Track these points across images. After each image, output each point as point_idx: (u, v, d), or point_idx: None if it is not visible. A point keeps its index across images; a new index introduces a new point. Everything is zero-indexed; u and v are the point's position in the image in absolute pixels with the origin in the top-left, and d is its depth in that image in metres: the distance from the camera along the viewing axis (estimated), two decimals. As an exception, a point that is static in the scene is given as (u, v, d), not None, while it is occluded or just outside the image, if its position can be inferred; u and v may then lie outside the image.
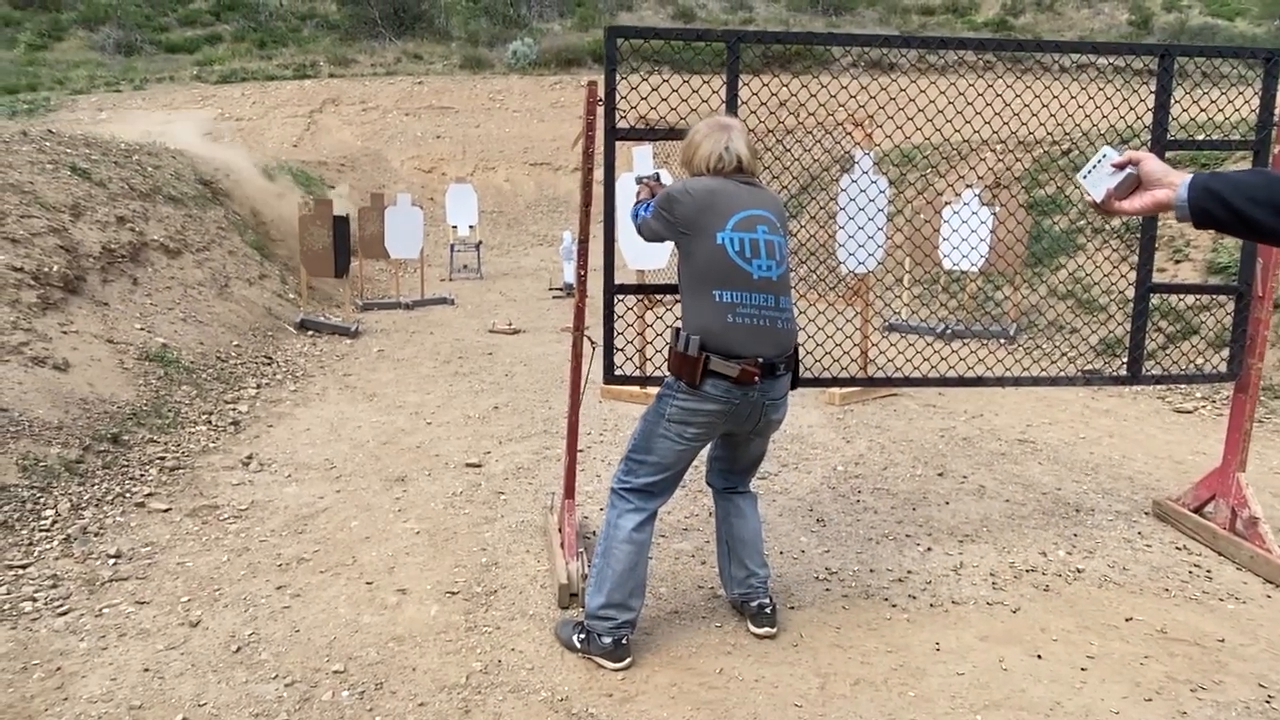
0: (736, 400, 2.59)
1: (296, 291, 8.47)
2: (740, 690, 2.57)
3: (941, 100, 3.61)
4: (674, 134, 3.16)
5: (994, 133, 3.74)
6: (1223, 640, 2.86)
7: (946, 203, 7.25)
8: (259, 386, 5.80)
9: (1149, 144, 3.29)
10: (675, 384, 2.63)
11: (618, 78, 3.02)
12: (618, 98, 3.04)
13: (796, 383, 2.80)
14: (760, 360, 2.57)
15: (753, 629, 2.87)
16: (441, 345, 7.40)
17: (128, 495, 3.88)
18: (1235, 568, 3.36)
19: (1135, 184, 1.63)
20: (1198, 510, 3.67)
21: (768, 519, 3.82)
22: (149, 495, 3.91)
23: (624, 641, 2.69)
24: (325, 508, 3.90)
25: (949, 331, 7.18)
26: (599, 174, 3.11)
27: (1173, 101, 3.33)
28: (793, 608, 3.07)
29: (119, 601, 3.03)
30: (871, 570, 3.36)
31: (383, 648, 2.79)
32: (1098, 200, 1.68)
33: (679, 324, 2.67)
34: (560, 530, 3.32)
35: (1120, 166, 1.65)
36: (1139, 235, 3.45)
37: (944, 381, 3.58)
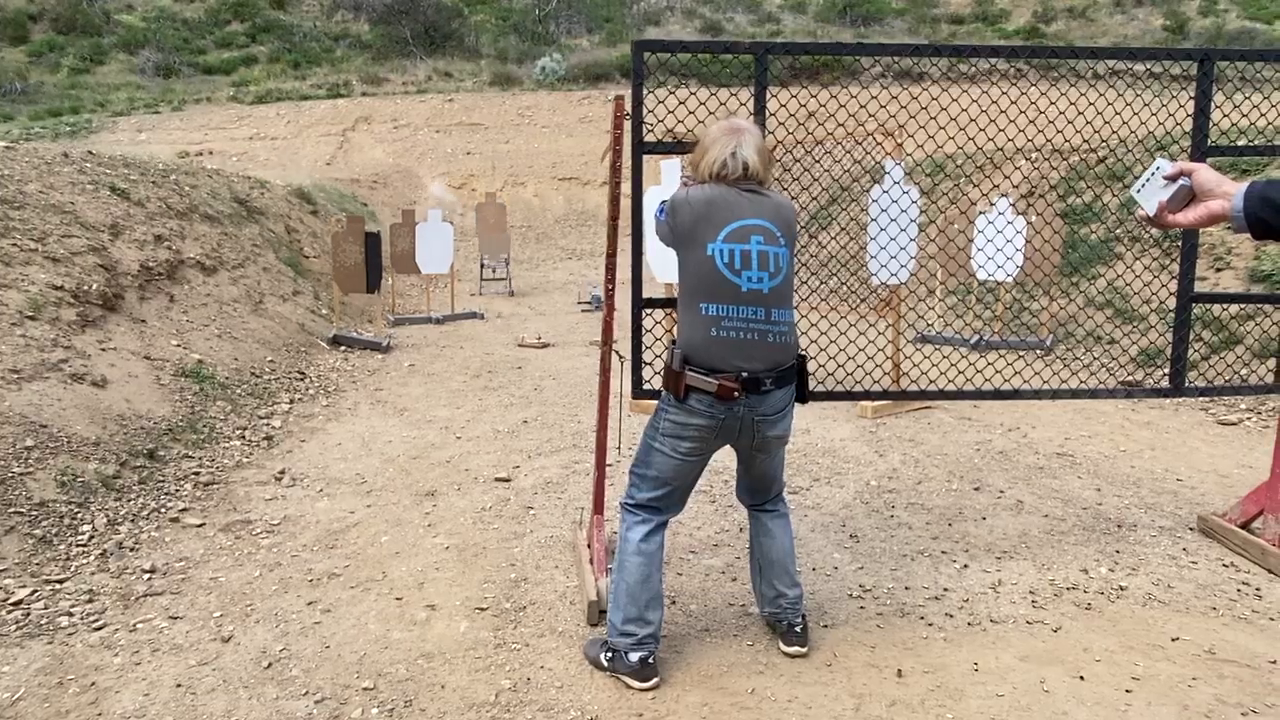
0: (722, 415, 2.55)
1: (329, 307, 8.57)
2: (773, 711, 2.53)
3: (974, 109, 3.57)
4: (702, 147, 3.14)
5: (1028, 140, 3.69)
6: (1274, 661, 2.76)
7: (980, 212, 7.16)
8: (292, 402, 5.86)
9: (1189, 151, 3.21)
10: (666, 398, 2.63)
11: (645, 91, 3.01)
12: (645, 111, 3.04)
13: (805, 397, 2.72)
14: (744, 375, 2.51)
15: (783, 648, 2.82)
16: (471, 360, 7.43)
17: (163, 510, 3.93)
18: (1286, 586, 3.25)
19: (1189, 196, 1.58)
20: (1245, 526, 3.55)
21: (800, 534, 3.77)
22: (183, 510, 3.96)
23: (650, 660, 2.64)
24: (356, 522, 3.92)
25: (983, 342, 7.08)
26: (626, 188, 3.10)
27: (1212, 107, 3.25)
28: (826, 626, 3.01)
29: (153, 616, 3.06)
30: (907, 587, 3.29)
31: (412, 664, 2.78)
32: (1150, 214, 1.63)
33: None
34: (589, 546, 3.30)
35: (1172, 179, 1.60)
36: (1179, 244, 3.37)
37: (979, 394, 3.51)
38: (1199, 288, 6.53)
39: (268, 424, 5.32)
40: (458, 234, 13.74)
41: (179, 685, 2.65)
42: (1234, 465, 4.66)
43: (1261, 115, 3.54)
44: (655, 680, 2.64)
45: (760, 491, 2.88)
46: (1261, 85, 3.42)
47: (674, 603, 3.16)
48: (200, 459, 4.55)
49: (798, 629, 2.82)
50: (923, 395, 3.61)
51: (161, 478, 4.22)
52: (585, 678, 2.69)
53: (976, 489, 4.32)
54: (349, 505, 4.12)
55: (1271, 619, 3.03)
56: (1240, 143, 7.35)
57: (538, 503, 4.14)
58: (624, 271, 3.07)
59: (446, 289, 10.13)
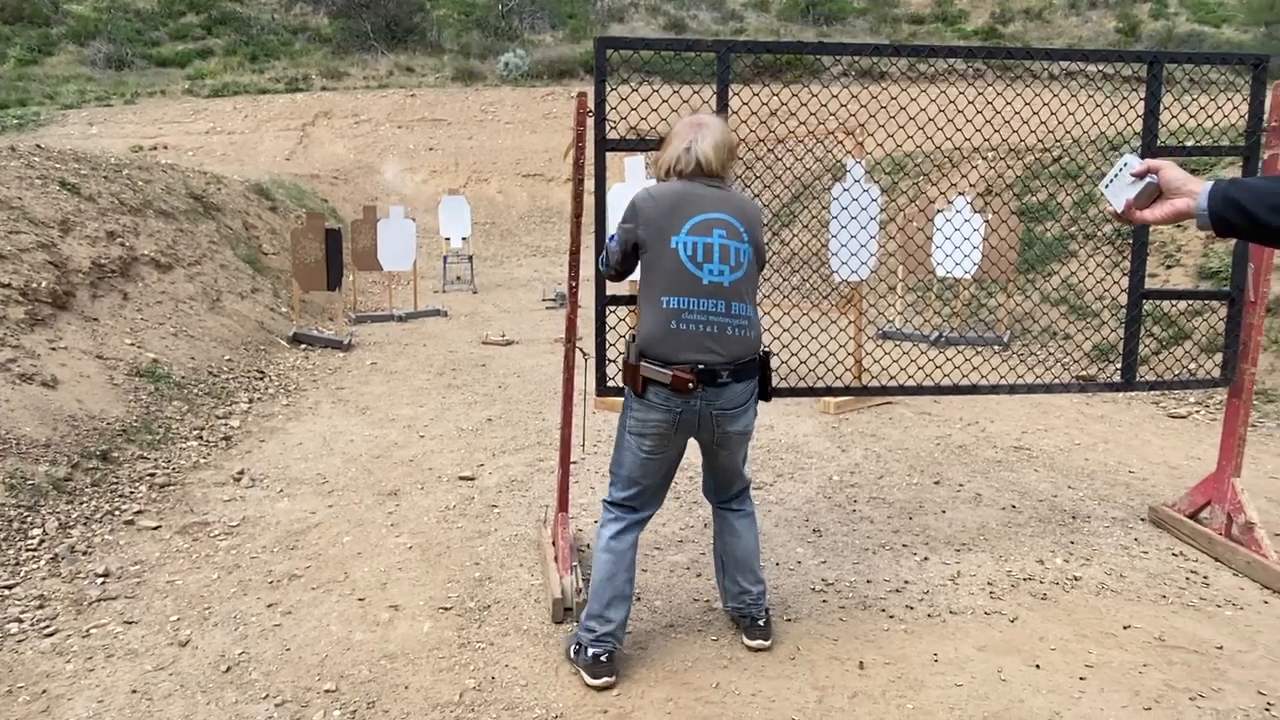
0: (679, 409, 2.54)
1: (289, 305, 8.44)
2: (736, 705, 2.54)
3: (932, 108, 3.62)
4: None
5: (985, 140, 3.75)
6: (1221, 647, 2.84)
7: (939, 210, 7.26)
8: (251, 401, 5.76)
9: (1139, 150, 3.29)
10: (629, 394, 2.64)
11: (608, 88, 3.01)
12: (608, 108, 3.03)
13: (767, 394, 2.71)
14: (701, 367, 2.50)
15: (746, 642, 2.85)
16: (435, 357, 7.37)
17: (117, 513, 3.84)
18: (1232, 573, 3.35)
19: (1156, 193, 1.62)
20: (1193, 516, 3.66)
21: (764, 529, 3.80)
22: (138, 513, 3.88)
23: (603, 658, 2.62)
24: (317, 523, 3.87)
25: (943, 339, 7.18)
26: (591, 185, 3.09)
27: (1162, 108, 3.33)
28: (790, 620, 3.04)
29: (107, 621, 2.99)
30: (868, 581, 3.33)
31: (375, 665, 2.76)
32: (1118, 210, 1.66)
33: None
34: (554, 544, 3.30)
35: (1140, 176, 1.63)
36: (1130, 241, 3.45)
37: (939, 390, 3.57)
38: (1150, 284, 6.70)
39: (226, 424, 5.23)
40: (420, 230, 13.62)
41: (134, 691, 2.60)
42: (1183, 457, 4.79)
43: (1209, 117, 3.64)
44: (606, 679, 2.61)
45: (724, 488, 2.86)
46: (1209, 87, 3.51)
47: (639, 599, 3.17)
48: (156, 460, 4.46)
49: (760, 622, 2.85)
50: (884, 391, 3.65)
51: (115, 480, 4.13)
52: (550, 676, 2.69)
53: (936, 483, 4.39)
54: (310, 505, 4.07)
55: (1218, 606, 3.12)
56: (1189, 143, 7.53)
57: (502, 501, 4.12)
58: (588, 269, 3.07)
59: (409, 286, 10.03)
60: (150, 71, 21.62)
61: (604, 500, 2.79)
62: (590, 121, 3.02)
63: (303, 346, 7.50)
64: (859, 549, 3.61)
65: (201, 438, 4.92)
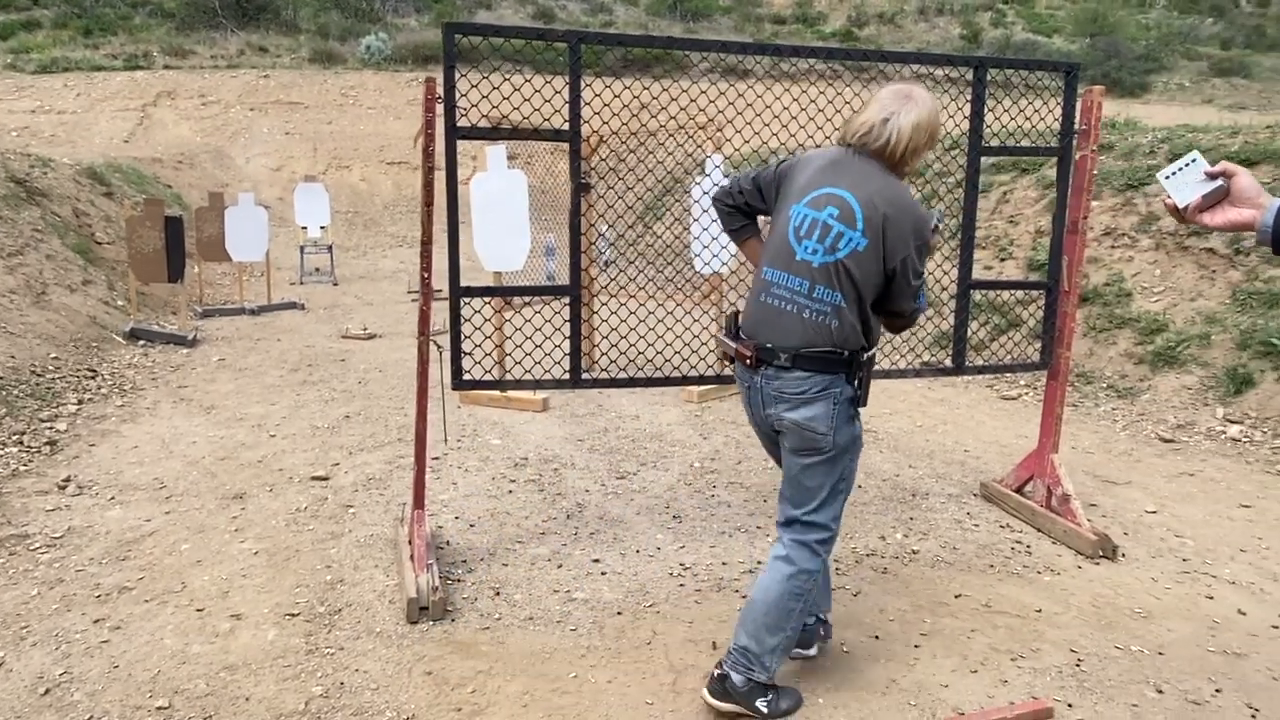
0: (746, 383, 2.47)
1: (126, 298, 7.86)
2: (592, 693, 2.56)
3: (794, 107, 3.73)
4: (517, 133, 3.12)
5: (828, 138, 3.90)
6: (1040, 610, 3.08)
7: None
8: (80, 402, 5.34)
9: (966, 150, 3.51)
10: None
11: (457, 74, 2.95)
12: (459, 95, 2.97)
13: (860, 399, 2.42)
14: (768, 346, 2.37)
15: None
16: (289, 353, 7.04)
17: (-84, 529, 3.48)
18: (1051, 542, 3.64)
19: (1223, 196, 1.58)
20: (1019, 490, 3.95)
21: (625, 518, 3.84)
22: (-57, 527, 3.53)
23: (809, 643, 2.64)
24: (152, 531, 3.63)
25: (801, 328, 7.45)
26: (460, 175, 3.03)
27: (988, 110, 3.56)
28: (649, 606, 3.09)
29: (-99, 649, 2.71)
30: (724, 563, 3.43)
31: (213, 678, 2.61)
32: (1179, 205, 1.61)
33: None
34: (410, 542, 3.22)
35: (1213, 176, 1.59)
36: (958, 235, 3.68)
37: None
38: (987, 276, 7.17)
39: (51, 427, 4.82)
40: (275, 219, 12.98)
41: (-68, 723, 2.37)
42: (1013, 436, 5.16)
43: (1041, 118, 3.89)
44: (810, 651, 2.65)
45: (791, 500, 2.51)
46: (1042, 92, 3.78)
47: (498, 594, 3.14)
48: (-35, 469, 4.06)
49: (715, 674, 2.49)
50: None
51: (-85, 492, 3.74)
52: (403, 677, 2.63)
53: (791, 467, 4.55)
54: (145, 513, 3.81)
55: (1038, 573, 3.38)
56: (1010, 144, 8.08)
57: (358, 501, 3.99)
58: (441, 260, 3.00)
59: (263, 278, 9.55)
60: (-37, 42, 19.61)
61: None
62: (440, 108, 2.96)
63: (141, 343, 7.01)
64: (716, 533, 3.71)
65: (22, 443, 4.52)
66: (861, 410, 2.49)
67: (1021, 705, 2.49)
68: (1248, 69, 25.66)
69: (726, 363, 2.59)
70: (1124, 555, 3.52)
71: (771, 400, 2.40)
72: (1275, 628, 2.99)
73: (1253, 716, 2.50)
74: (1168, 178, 1.63)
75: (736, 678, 2.42)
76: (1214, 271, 5.93)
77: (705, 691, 2.48)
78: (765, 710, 2.42)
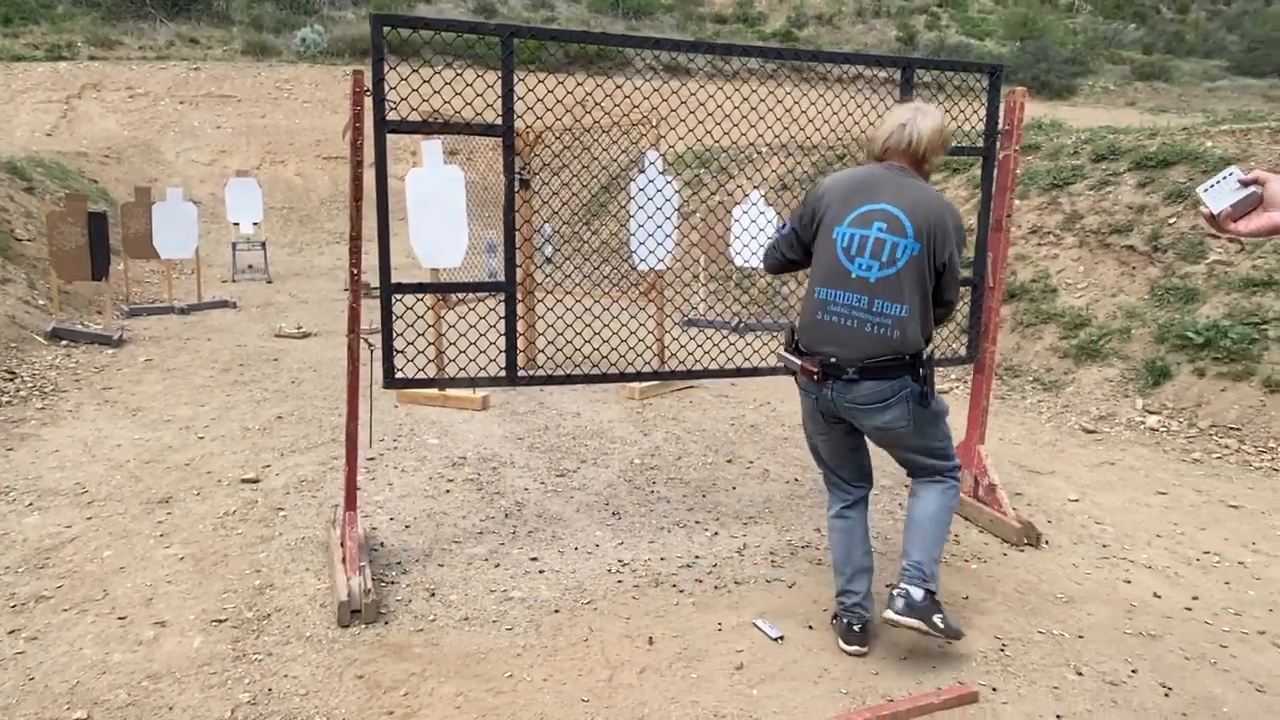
0: (814, 395, 2.67)
1: (48, 297, 7.55)
2: (528, 692, 2.55)
3: (728, 104, 3.76)
4: (449, 128, 3.09)
5: (775, 137, 3.95)
6: (967, 597, 3.17)
7: (736, 203, 7.58)
8: (-5, 406, 5.12)
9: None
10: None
11: (386, 67, 2.90)
12: (387, 88, 2.92)
13: (924, 399, 2.60)
14: (832, 360, 2.56)
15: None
16: (220, 352, 6.86)
17: None
18: (979, 531, 3.74)
19: (1256, 203, 1.62)
20: (949, 481, 4.04)
21: (565, 516, 3.83)
22: None
23: (855, 627, 2.73)
24: (73, 538, 3.50)
25: (742, 325, 7.53)
26: (374, 168, 2.97)
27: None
28: (587, 603, 3.08)
29: None
30: (662, 558, 3.44)
31: (135, 688, 2.53)
32: (1213, 212, 1.65)
33: None
34: (342, 544, 3.16)
35: (1246, 184, 1.63)
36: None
37: (737, 372, 3.72)
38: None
39: (-38, 432, 4.61)
40: (207, 215, 12.62)
41: None
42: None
43: (968, 120, 3.97)
44: (859, 647, 2.72)
45: (907, 470, 2.88)
46: (968, 94, 3.86)
47: (433, 595, 3.11)
48: None
49: (894, 593, 2.67)
50: (688, 375, 3.75)
51: None
52: (334, 682, 2.58)
53: (729, 461, 4.60)
54: (65, 519, 3.67)
55: (966, 560, 3.48)
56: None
57: (289, 503, 3.90)
58: (371, 256, 2.95)
59: (193, 276, 9.27)
60: None
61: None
62: (369, 102, 2.91)
63: (64, 343, 6.74)
64: (655, 528, 3.72)
65: (-70, 449, 4.32)
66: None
67: (948, 690, 2.56)
68: (1168, 73, 26.72)
69: (794, 377, 2.77)
70: (1048, 543, 3.63)
71: (845, 411, 2.63)
72: (1188, 610, 3.12)
73: (1166, 695, 2.60)
74: (1205, 190, 1.68)
75: (917, 592, 2.63)
76: (1134, 268, 6.16)
77: (889, 611, 2.63)
78: (941, 626, 2.61)
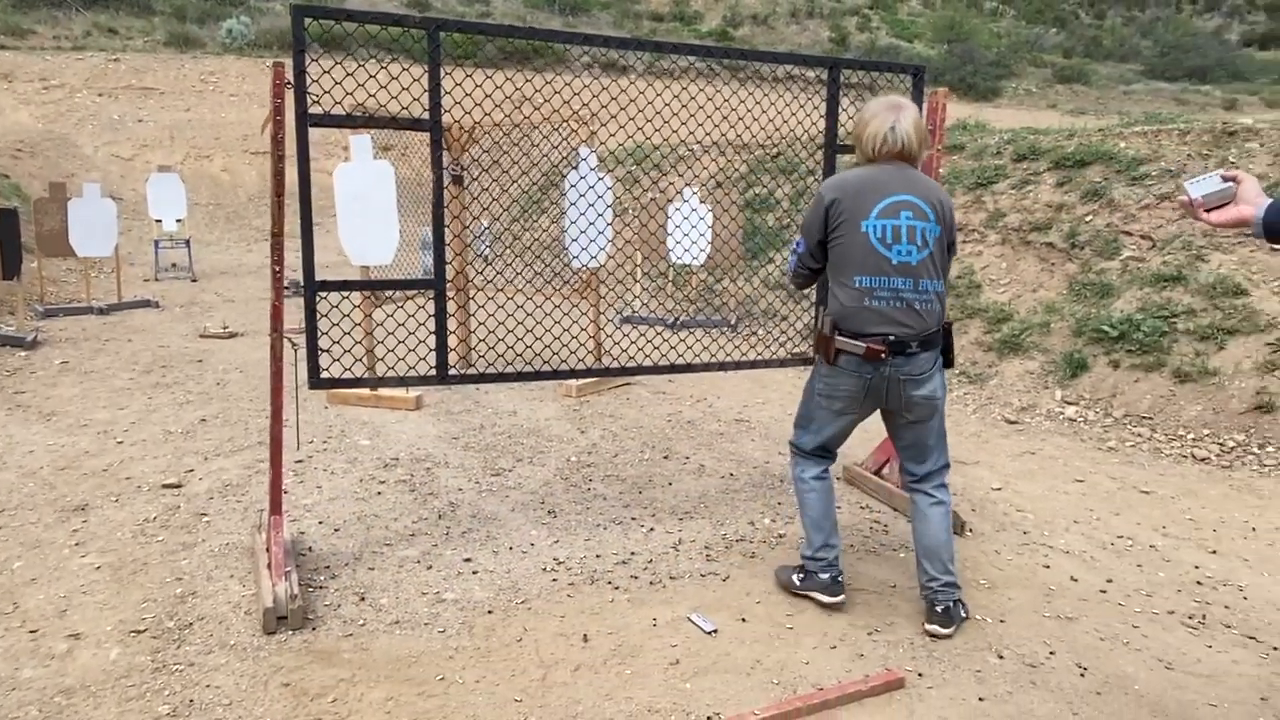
0: (869, 375, 2.79)
1: (-49, 298, 7.19)
2: (460, 694, 2.53)
3: (659, 101, 3.77)
4: (374, 121, 3.03)
5: (708, 134, 3.98)
6: (894, 586, 3.24)
7: (669, 200, 7.62)
8: (-106, 412, 4.85)
9: (823, 148, 3.63)
10: (819, 361, 2.91)
11: (307, 59, 2.83)
12: (310, 80, 2.86)
13: (950, 361, 2.90)
14: (891, 339, 2.73)
15: (925, 626, 2.91)
16: (141, 353, 6.61)
17: None
18: (906, 521, 3.82)
19: (1230, 197, 1.83)
20: (877, 472, 4.14)
21: (500, 515, 3.80)
22: None
23: (838, 579, 3.00)
24: (-22, 550, 3.34)
25: (678, 322, 7.57)
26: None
27: (843, 111, 3.70)
28: (521, 603, 3.07)
29: None
30: (598, 556, 3.44)
31: (47, 704, 2.43)
32: (1190, 199, 1.86)
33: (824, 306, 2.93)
34: (267, 550, 3.08)
35: (1226, 180, 1.84)
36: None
37: (672, 369, 3.73)
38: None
39: None
40: (128, 212, 12.18)
41: None
42: (876, 421, 5.39)
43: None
44: (842, 597, 2.99)
45: (916, 461, 2.99)
46: (904, 94, 3.95)
47: (363, 599, 3.05)
48: None
49: (939, 609, 2.89)
50: (623, 371, 3.76)
51: None
52: (259, 691, 2.51)
53: (666, 457, 4.62)
54: (-31, 530, 3.50)
55: (894, 550, 3.56)
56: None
57: (213, 508, 3.79)
58: (293, 254, 2.88)
59: (113, 274, 8.92)
60: None
61: (792, 444, 3.13)
62: (290, 95, 2.84)
63: (-30, 346, 6.42)
64: (591, 525, 3.72)
65: None
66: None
67: (876, 677, 2.61)
68: (1087, 76, 27.73)
69: (826, 359, 2.89)
70: (971, 530, 3.74)
71: (899, 384, 2.80)
72: (1103, 592, 3.25)
73: (1082, 674, 2.71)
74: (1190, 181, 1.91)
75: (956, 605, 2.92)
76: (1054, 265, 6.38)
77: (935, 626, 2.86)
78: (953, 630, 2.91)
